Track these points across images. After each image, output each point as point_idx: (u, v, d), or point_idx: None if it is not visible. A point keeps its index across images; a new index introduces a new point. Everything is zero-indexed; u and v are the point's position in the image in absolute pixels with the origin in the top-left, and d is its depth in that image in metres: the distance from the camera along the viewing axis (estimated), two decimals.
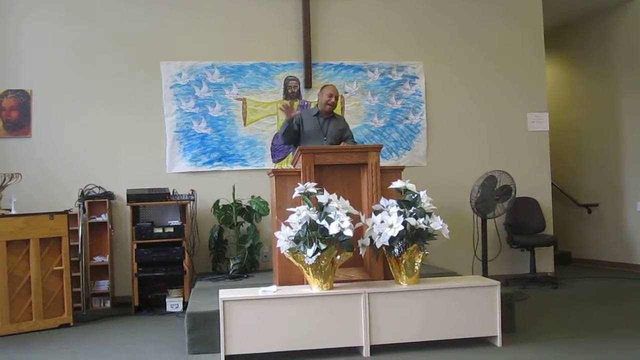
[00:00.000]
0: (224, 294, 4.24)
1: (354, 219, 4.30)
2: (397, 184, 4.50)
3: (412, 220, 4.28)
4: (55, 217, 5.44)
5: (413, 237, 4.30)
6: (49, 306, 5.39)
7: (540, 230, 7.31)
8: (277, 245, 4.33)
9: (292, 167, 5.38)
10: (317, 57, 6.99)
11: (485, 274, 6.02)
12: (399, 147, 7.16)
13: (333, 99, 5.79)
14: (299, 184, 4.39)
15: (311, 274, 4.22)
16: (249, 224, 6.37)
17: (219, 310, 4.08)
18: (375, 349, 4.20)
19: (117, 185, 6.45)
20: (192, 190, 6.33)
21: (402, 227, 4.24)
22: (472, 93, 7.36)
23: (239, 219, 6.35)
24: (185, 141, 6.73)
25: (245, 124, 6.86)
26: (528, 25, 7.53)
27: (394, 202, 4.42)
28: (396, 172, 4.93)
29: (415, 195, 4.43)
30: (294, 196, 4.39)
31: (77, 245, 5.93)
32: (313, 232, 4.13)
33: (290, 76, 6.97)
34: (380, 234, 4.30)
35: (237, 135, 6.83)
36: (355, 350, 4.25)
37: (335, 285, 4.33)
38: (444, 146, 7.25)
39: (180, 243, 6.15)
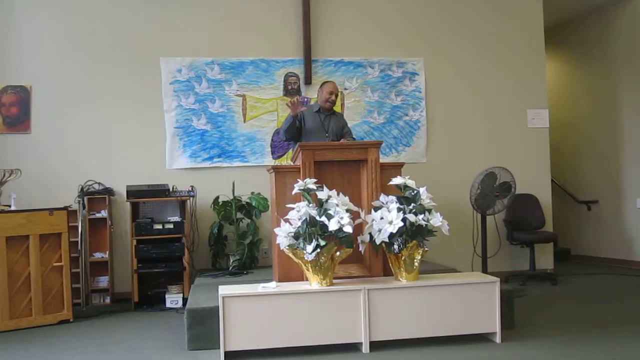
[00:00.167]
0: (224, 290, 4.24)
1: (354, 216, 4.30)
2: (397, 181, 4.50)
3: (411, 217, 4.28)
4: (55, 213, 5.44)
5: (413, 233, 4.31)
6: (49, 302, 5.40)
7: (539, 226, 7.32)
8: (277, 242, 4.33)
9: (291, 164, 5.38)
10: (317, 54, 6.99)
11: (484, 270, 6.02)
12: (399, 143, 7.16)
13: (333, 97, 5.80)
14: (298, 180, 4.39)
15: (311, 270, 4.22)
16: (249, 221, 6.37)
17: (218, 307, 4.09)
18: (374, 345, 4.20)
19: (116, 182, 6.45)
20: (192, 187, 6.33)
21: (401, 224, 4.24)
22: (472, 89, 7.36)
23: (239, 215, 6.35)
24: (185, 137, 6.73)
25: (245, 121, 6.86)
26: (528, 22, 7.53)
27: (394, 198, 4.42)
28: (396, 168, 4.92)
29: (415, 191, 4.43)
30: (293, 192, 4.38)
31: (77, 242, 5.93)
32: (313, 229, 4.13)
33: (290, 72, 6.96)
34: (379, 231, 4.31)
35: (237, 131, 6.83)
36: (355, 347, 4.26)
37: (334, 281, 4.34)
38: (443, 143, 7.25)
39: (180, 239, 6.15)
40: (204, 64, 6.79)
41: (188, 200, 6.28)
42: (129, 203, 6.16)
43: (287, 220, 4.26)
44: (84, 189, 6.23)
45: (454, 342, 4.31)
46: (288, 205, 4.34)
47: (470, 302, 4.36)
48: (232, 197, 6.29)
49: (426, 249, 4.41)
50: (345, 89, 7.05)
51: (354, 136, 6.04)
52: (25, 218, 5.29)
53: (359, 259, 4.72)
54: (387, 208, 4.36)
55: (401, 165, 5.06)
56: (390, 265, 4.49)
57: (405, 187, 4.47)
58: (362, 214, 4.48)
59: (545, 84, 7.62)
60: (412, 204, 4.37)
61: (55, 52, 6.55)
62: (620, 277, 7.24)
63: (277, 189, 4.76)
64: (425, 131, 7.22)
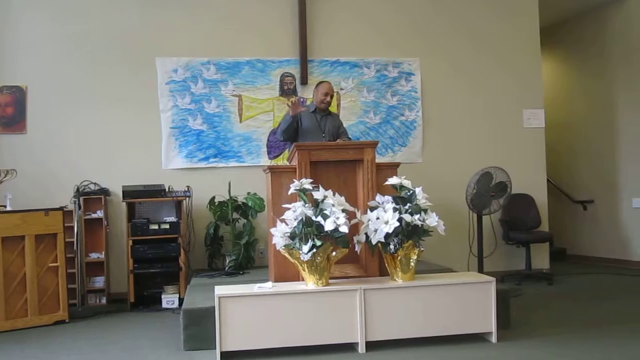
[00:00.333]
0: (220, 290, 4.24)
1: (350, 216, 4.30)
2: (393, 181, 4.50)
3: (407, 217, 4.29)
4: (50, 213, 5.43)
5: (408, 233, 4.31)
6: (45, 303, 5.39)
7: (535, 226, 7.33)
8: (273, 242, 4.33)
9: (288, 164, 5.37)
10: (313, 54, 6.98)
11: (480, 270, 6.02)
12: (395, 143, 7.16)
13: (328, 98, 5.81)
14: (294, 180, 4.39)
15: (307, 270, 4.22)
16: (245, 221, 6.37)
17: (214, 307, 4.09)
18: (370, 345, 4.20)
19: (112, 182, 6.44)
20: (188, 187, 6.32)
21: (397, 224, 4.24)
22: (468, 90, 7.36)
23: (235, 215, 6.35)
24: (181, 137, 6.72)
25: (241, 121, 6.86)
26: (524, 22, 7.54)
27: (390, 198, 4.42)
28: (392, 168, 4.93)
29: (411, 191, 4.43)
30: (289, 192, 4.38)
31: (73, 242, 5.92)
32: (309, 229, 4.13)
33: (286, 72, 6.96)
34: (375, 231, 4.31)
35: (233, 131, 6.83)
36: (351, 347, 4.26)
37: (330, 281, 4.34)
38: (439, 143, 7.25)
39: (176, 239, 6.15)
40: (199, 64, 6.79)
41: (184, 201, 6.27)
42: (124, 203, 6.15)
43: (283, 221, 4.26)
44: (80, 189, 6.22)
45: (450, 341, 4.32)
46: (284, 206, 4.34)
47: (466, 302, 4.36)
48: (228, 198, 6.28)
49: (422, 249, 4.41)
50: (341, 89, 7.05)
51: (349, 136, 6.04)
52: (21, 218, 5.28)
53: (355, 259, 4.73)
54: (383, 208, 4.36)
55: (397, 165, 5.07)
56: (386, 265, 4.49)
57: (401, 187, 4.47)
58: (358, 214, 4.49)
59: (541, 83, 7.63)
60: (408, 204, 4.38)
61: (51, 53, 6.54)
62: (615, 277, 7.26)
63: (273, 189, 4.76)
64: (421, 131, 7.23)
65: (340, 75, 7.06)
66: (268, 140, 6.88)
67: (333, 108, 6.59)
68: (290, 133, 5.70)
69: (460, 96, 7.34)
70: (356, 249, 4.51)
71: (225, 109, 6.83)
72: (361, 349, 4.18)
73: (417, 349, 4.23)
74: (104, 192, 6.36)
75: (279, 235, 4.22)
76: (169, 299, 5.99)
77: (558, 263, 8.13)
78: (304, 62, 6.92)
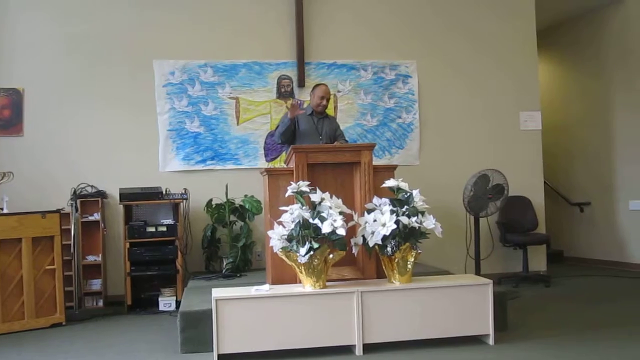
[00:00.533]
0: (217, 292, 4.24)
1: (347, 218, 4.30)
2: (390, 183, 4.50)
3: (404, 219, 4.29)
4: (47, 216, 5.43)
5: (406, 235, 4.31)
6: (41, 305, 5.38)
7: (532, 228, 7.33)
8: (270, 244, 4.33)
9: (285, 166, 5.38)
10: (310, 56, 6.99)
11: (477, 272, 6.03)
12: (392, 146, 7.17)
13: (324, 102, 5.81)
14: (292, 182, 4.39)
15: (304, 272, 4.22)
16: (242, 223, 6.37)
17: (211, 309, 4.08)
18: (368, 348, 4.20)
19: (109, 184, 6.44)
20: (185, 189, 6.32)
21: (394, 226, 4.24)
22: (465, 92, 7.38)
23: (232, 217, 6.35)
24: (178, 140, 6.72)
25: (238, 123, 6.86)
26: (521, 24, 7.56)
27: (387, 200, 4.42)
28: (389, 171, 4.94)
29: (408, 194, 4.43)
30: (286, 195, 4.39)
31: (70, 244, 5.91)
32: (306, 231, 4.13)
33: (284, 75, 6.97)
34: (373, 233, 4.31)
35: (230, 134, 6.83)
36: (348, 349, 4.26)
37: (328, 284, 4.34)
38: (436, 145, 7.26)
39: (173, 242, 6.14)
40: (197, 66, 6.79)
41: (181, 203, 6.27)
42: (122, 206, 6.14)
43: (280, 223, 4.27)
44: (77, 192, 6.21)
45: (447, 344, 4.32)
46: (281, 208, 4.34)
47: (463, 304, 4.37)
48: (225, 200, 6.28)
49: (419, 251, 4.41)
50: (339, 91, 7.05)
51: (346, 139, 6.05)
52: (18, 221, 5.28)
53: (352, 262, 4.72)
54: (380, 210, 4.36)
55: (394, 167, 5.07)
56: (384, 267, 4.49)
57: (398, 189, 4.47)
58: (355, 217, 4.49)
59: (538, 86, 7.64)
60: (405, 207, 4.38)
61: (47, 55, 6.53)
62: (613, 279, 7.27)
63: (270, 192, 4.76)
64: (418, 133, 7.23)
65: (338, 78, 7.07)
66: (265, 142, 6.88)
67: (330, 111, 6.60)
68: (287, 135, 5.71)
69: (458, 99, 7.35)
70: (353, 251, 4.52)
71: (223, 111, 6.83)
72: (358, 351, 4.18)
73: (414, 351, 4.22)
74: (101, 194, 6.36)
75: (276, 237, 4.22)
76: (166, 302, 5.98)
77: (555, 265, 8.13)
78: (301, 64, 6.93)
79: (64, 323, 5.44)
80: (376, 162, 5.40)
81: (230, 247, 6.23)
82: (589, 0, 8.17)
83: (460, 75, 7.38)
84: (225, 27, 6.87)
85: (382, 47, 7.20)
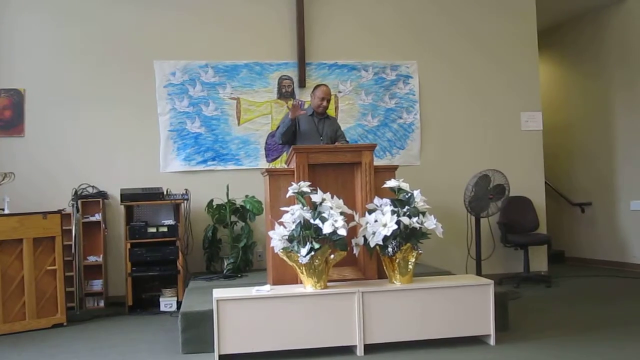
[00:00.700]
0: (218, 293, 4.24)
1: (348, 218, 4.30)
2: (391, 183, 4.50)
3: (405, 220, 4.28)
4: (48, 216, 5.43)
5: (407, 236, 4.31)
6: (43, 306, 5.38)
7: (533, 229, 7.33)
8: (271, 245, 4.33)
9: (286, 167, 5.38)
10: (311, 57, 6.99)
11: (478, 273, 6.03)
12: (393, 146, 7.17)
13: (325, 103, 5.82)
14: (292, 183, 4.39)
15: (305, 273, 4.22)
16: (243, 224, 6.37)
17: (212, 310, 4.08)
18: (369, 348, 4.20)
19: (110, 185, 6.44)
20: (186, 190, 6.32)
21: (395, 226, 4.24)
22: (466, 92, 7.38)
23: (233, 218, 6.35)
24: (179, 141, 6.72)
25: (239, 124, 6.86)
26: (521, 25, 7.55)
27: (388, 201, 4.42)
28: (390, 171, 4.93)
29: (409, 194, 4.43)
30: (287, 195, 4.39)
31: (71, 245, 5.92)
32: (307, 232, 4.13)
33: (284, 75, 6.97)
34: (374, 233, 4.31)
35: (231, 134, 6.83)
36: (349, 350, 4.26)
37: (329, 284, 4.33)
38: (437, 145, 7.26)
39: (174, 242, 6.14)
40: (197, 67, 6.79)
41: (182, 204, 6.27)
42: (123, 206, 6.14)
43: (281, 223, 4.26)
44: (78, 193, 6.22)
45: (448, 344, 4.32)
46: (282, 208, 4.34)
47: (464, 305, 4.36)
48: (226, 200, 6.28)
49: (420, 251, 4.41)
50: (339, 92, 7.05)
51: (347, 139, 6.05)
52: (19, 221, 5.28)
53: (353, 262, 4.72)
54: (381, 211, 4.36)
55: (395, 168, 5.07)
56: (385, 268, 4.49)
57: (399, 189, 4.47)
58: (356, 217, 4.48)
59: (539, 86, 7.64)
60: (406, 207, 4.38)
61: (49, 56, 6.54)
62: (614, 279, 7.26)
63: (271, 192, 4.76)
64: (419, 134, 7.23)
65: (338, 78, 7.07)
66: (266, 143, 6.88)
67: (331, 111, 6.61)
68: (288, 136, 5.71)
69: (458, 99, 7.35)
70: (354, 251, 4.51)
71: (224, 112, 6.83)
72: (359, 351, 4.18)
73: (415, 351, 4.22)
74: (102, 195, 6.36)
75: (277, 238, 4.22)
76: (167, 302, 5.98)
77: (556, 265, 8.13)
78: (302, 64, 6.93)
79: (65, 324, 5.44)
80: (377, 162, 5.40)
81: (231, 247, 6.24)
82: (589, 0, 8.16)
83: (461, 76, 7.38)
84: (226, 27, 6.87)
85: (383, 47, 7.20)
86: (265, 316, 4.12)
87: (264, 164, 6.81)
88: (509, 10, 7.54)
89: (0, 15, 6.47)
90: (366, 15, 7.17)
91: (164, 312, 5.90)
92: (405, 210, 4.36)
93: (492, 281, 4.48)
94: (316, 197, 4.22)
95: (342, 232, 4.09)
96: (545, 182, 7.83)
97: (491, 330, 4.37)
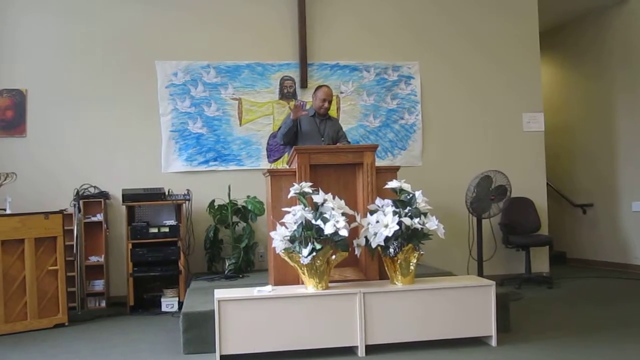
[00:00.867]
0: (220, 293, 4.24)
1: (350, 219, 4.30)
2: (393, 184, 4.50)
3: (407, 220, 4.28)
4: (50, 216, 5.43)
5: (408, 237, 4.31)
6: (44, 306, 5.38)
7: (535, 230, 7.33)
8: (273, 245, 4.33)
9: (287, 167, 5.38)
10: (313, 57, 6.99)
11: (480, 274, 6.02)
12: (395, 147, 7.17)
13: (326, 104, 5.82)
14: (294, 183, 4.39)
15: (306, 273, 4.22)
16: (245, 224, 6.37)
17: (214, 310, 4.08)
18: (370, 349, 4.20)
19: (112, 185, 6.44)
20: (188, 190, 6.32)
21: (397, 227, 4.24)
22: (468, 93, 7.38)
23: (235, 218, 6.35)
24: (180, 141, 6.73)
25: (240, 124, 6.86)
26: (523, 26, 7.55)
27: (390, 202, 4.42)
28: (391, 172, 4.93)
29: (411, 195, 4.43)
30: (289, 196, 4.39)
31: (72, 245, 5.92)
32: (308, 232, 4.13)
33: (286, 76, 6.97)
34: (375, 234, 4.31)
35: (233, 135, 6.83)
36: (351, 350, 4.25)
37: (330, 285, 4.33)
38: (439, 146, 7.26)
39: (175, 243, 6.14)
40: (199, 67, 6.79)
41: (184, 204, 6.27)
42: (124, 206, 6.14)
43: (282, 224, 4.26)
44: (80, 193, 6.22)
45: (450, 345, 4.31)
46: (284, 209, 4.34)
47: (465, 306, 4.36)
48: (227, 201, 6.28)
49: (422, 252, 4.41)
50: (341, 92, 7.05)
51: (349, 140, 6.05)
52: (21, 222, 5.28)
53: (355, 263, 4.72)
54: (383, 211, 4.36)
55: (397, 168, 5.07)
56: (386, 268, 4.49)
57: (401, 190, 4.47)
58: (358, 218, 4.48)
59: (541, 87, 7.64)
60: (408, 208, 4.38)
61: (51, 56, 6.54)
62: (615, 281, 7.25)
63: (272, 193, 4.76)
64: (420, 134, 7.23)
65: (340, 79, 7.07)
66: (268, 143, 6.88)
67: (333, 112, 6.61)
68: (290, 137, 5.72)
69: (460, 100, 7.35)
70: (356, 252, 4.52)
71: (225, 112, 6.83)
72: (361, 352, 4.18)
73: (416, 352, 4.22)
74: (104, 195, 6.36)
75: (278, 238, 4.22)
76: (168, 303, 5.98)
77: (558, 267, 8.13)
78: (303, 65, 6.93)
79: (66, 324, 5.45)
80: (379, 163, 5.41)
81: (232, 248, 6.24)
82: (592, 0, 8.15)
83: (463, 77, 7.38)
84: (228, 28, 6.88)
85: (384, 48, 7.20)
86: (266, 317, 4.12)
87: (265, 164, 6.82)
88: (511, 11, 7.53)
89: (2, 16, 6.48)
90: (368, 16, 7.17)
91: (166, 313, 5.90)
92: (406, 211, 4.36)
93: (494, 282, 4.47)
94: (318, 198, 4.22)
95: (344, 232, 4.09)
96: (547, 183, 7.82)
97: (493, 331, 4.36)
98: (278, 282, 4.63)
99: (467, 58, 7.39)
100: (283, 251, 4.23)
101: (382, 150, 7.02)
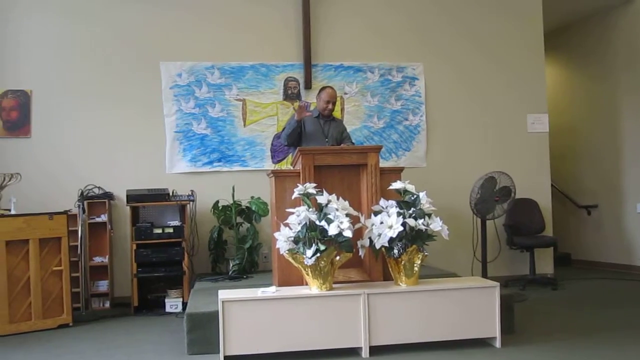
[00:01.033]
0: (224, 294, 4.24)
1: (354, 220, 4.30)
2: (397, 185, 4.50)
3: (411, 221, 4.28)
4: (54, 217, 5.44)
5: (412, 238, 4.31)
6: (49, 306, 5.39)
7: (539, 231, 7.31)
8: (277, 246, 4.33)
9: (291, 168, 5.38)
10: (317, 58, 6.99)
11: (484, 275, 6.02)
12: (399, 148, 7.16)
13: (330, 106, 5.83)
14: (298, 184, 4.39)
15: (310, 274, 4.22)
16: (249, 225, 6.37)
17: (218, 311, 4.09)
18: (374, 350, 4.20)
19: (116, 186, 6.45)
20: (192, 191, 6.33)
21: (401, 228, 4.24)
22: (472, 94, 7.37)
23: (239, 219, 6.35)
24: (185, 142, 6.73)
25: (245, 125, 6.87)
26: (528, 26, 7.54)
27: (394, 203, 4.42)
28: (396, 173, 4.93)
29: (415, 196, 4.43)
30: (293, 197, 4.39)
31: (77, 246, 5.92)
32: (312, 233, 4.13)
33: (290, 77, 6.97)
34: (379, 235, 4.30)
35: (237, 136, 6.84)
36: (355, 351, 4.25)
37: (334, 286, 4.33)
38: (443, 147, 7.25)
39: (179, 243, 6.14)
40: (204, 68, 6.80)
41: (188, 205, 6.27)
42: (128, 207, 6.16)
43: (286, 225, 4.26)
44: (84, 193, 6.22)
45: (454, 347, 4.31)
46: (288, 210, 4.34)
47: (470, 307, 4.35)
48: (231, 202, 6.29)
49: (426, 253, 4.40)
50: (345, 93, 7.05)
51: (353, 141, 6.06)
52: (25, 222, 5.29)
53: (359, 264, 4.72)
54: (387, 212, 4.36)
55: (401, 169, 5.06)
56: (390, 269, 4.48)
57: (405, 191, 4.47)
58: (362, 219, 4.48)
59: (545, 88, 7.62)
60: (412, 209, 4.37)
61: (55, 57, 6.56)
62: (620, 282, 7.23)
63: (276, 194, 4.76)
64: (425, 136, 7.23)
65: (344, 80, 7.06)
66: (272, 144, 6.88)
67: (337, 113, 6.60)
68: (294, 137, 5.72)
69: (464, 101, 7.34)
70: (360, 253, 4.51)
71: (229, 113, 6.84)
72: (365, 353, 4.18)
73: (420, 353, 4.22)
74: (108, 196, 6.37)
75: (282, 239, 4.22)
76: (172, 303, 5.99)
77: (562, 268, 8.11)
78: (307, 66, 6.93)
79: (71, 324, 5.45)
80: (383, 164, 5.40)
81: (236, 248, 6.24)
82: (596, 2, 8.14)
83: (467, 77, 7.37)
84: (232, 29, 6.88)
85: (388, 49, 7.20)
86: (270, 317, 4.12)
87: (269, 165, 6.82)
88: (515, 12, 7.52)
89: (6, 17, 6.49)
90: (372, 17, 7.17)
91: (170, 313, 5.91)
92: (411, 212, 4.35)
93: (498, 283, 4.47)
94: (322, 199, 4.22)
95: (348, 233, 4.09)
96: (552, 184, 7.81)
97: (497, 332, 4.36)
98: (282, 283, 4.63)
99: (472, 59, 7.38)
100: (287, 252, 4.23)
101: (386, 151, 7.02)
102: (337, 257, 4.24)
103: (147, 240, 6.07)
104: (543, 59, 7.61)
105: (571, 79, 9.21)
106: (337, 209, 4.17)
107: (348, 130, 6.14)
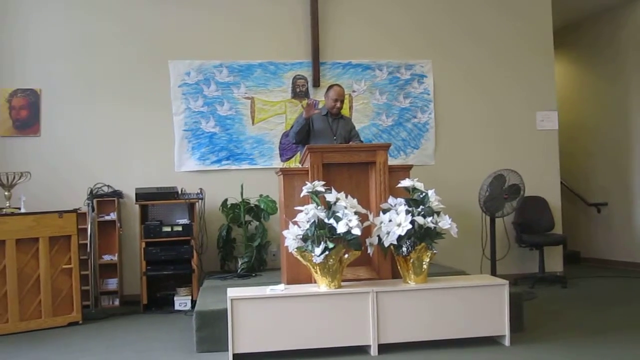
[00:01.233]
0: (232, 292, 4.25)
1: (362, 218, 4.29)
2: (405, 183, 4.49)
3: (420, 219, 4.27)
4: (64, 215, 5.46)
5: (421, 236, 4.30)
6: (58, 304, 5.42)
7: (549, 229, 7.28)
8: (285, 244, 4.33)
9: (300, 166, 5.38)
10: (326, 56, 6.99)
11: (493, 273, 6.00)
12: (407, 145, 7.15)
13: (338, 104, 5.82)
14: (307, 182, 4.39)
15: (319, 272, 4.22)
16: (257, 223, 6.38)
17: (227, 309, 4.09)
18: (383, 348, 4.19)
19: (125, 184, 6.47)
20: (201, 189, 6.34)
21: (410, 226, 4.23)
22: (481, 92, 7.34)
23: (247, 217, 6.36)
24: (193, 140, 6.74)
25: (253, 123, 6.87)
26: (537, 24, 7.50)
27: (402, 200, 4.41)
28: (404, 170, 4.93)
29: (424, 194, 4.42)
30: (302, 195, 4.39)
31: (86, 244, 5.95)
32: (321, 231, 4.13)
33: (299, 75, 6.97)
34: (388, 233, 4.30)
35: (246, 134, 6.84)
36: (363, 349, 4.25)
37: (343, 284, 4.33)
38: (452, 145, 7.23)
39: (188, 242, 6.16)
40: (212, 66, 6.81)
41: (197, 203, 6.29)
42: (138, 205, 6.18)
43: (295, 223, 4.26)
44: (93, 192, 6.24)
45: (463, 345, 4.30)
46: (296, 208, 4.34)
47: (479, 305, 4.34)
48: (240, 200, 6.29)
49: (435, 251, 4.39)
50: (354, 91, 7.04)
51: (361, 139, 6.04)
52: (35, 220, 5.32)
53: (368, 262, 4.72)
54: (396, 210, 4.35)
55: (409, 167, 5.06)
56: (399, 267, 4.48)
57: (414, 189, 4.46)
58: (371, 217, 4.48)
59: (554, 85, 7.58)
60: (421, 206, 4.37)
61: (64, 56, 6.58)
62: (630, 280, 7.20)
63: (285, 192, 4.77)
64: (433, 133, 7.21)
65: (353, 78, 7.06)
66: (280, 142, 6.88)
67: (345, 111, 6.59)
68: (302, 135, 5.72)
69: (473, 98, 7.31)
70: (369, 251, 4.51)
71: (238, 111, 6.84)
72: (373, 351, 4.18)
73: (429, 351, 4.21)
74: (117, 194, 6.39)
75: (291, 237, 4.22)
76: (181, 301, 6.00)
77: (572, 266, 8.08)
78: (316, 64, 6.92)
79: (80, 322, 5.48)
80: (391, 162, 5.39)
81: (245, 246, 6.24)
82: (606, 0, 8.09)
83: (476, 75, 7.34)
84: (241, 27, 6.88)
85: (397, 47, 7.18)
86: (279, 315, 4.12)
87: (278, 163, 6.82)
88: (525, 9, 7.48)
89: (14, 15, 6.51)
90: (380, 15, 7.15)
91: (179, 311, 5.92)
92: (419, 209, 4.35)
93: (507, 281, 4.46)
94: (330, 197, 4.22)
95: (357, 231, 4.09)
96: (561, 182, 7.77)
97: (506, 330, 4.35)
98: (291, 281, 4.64)
99: (480, 56, 7.36)
100: (296, 250, 4.23)
101: (394, 149, 7.01)
102: (346, 255, 4.24)
103: (156, 239, 6.09)
104: (552, 56, 7.58)
105: (581, 76, 9.17)
106: (345, 207, 4.17)
107: (356, 128, 6.13)
